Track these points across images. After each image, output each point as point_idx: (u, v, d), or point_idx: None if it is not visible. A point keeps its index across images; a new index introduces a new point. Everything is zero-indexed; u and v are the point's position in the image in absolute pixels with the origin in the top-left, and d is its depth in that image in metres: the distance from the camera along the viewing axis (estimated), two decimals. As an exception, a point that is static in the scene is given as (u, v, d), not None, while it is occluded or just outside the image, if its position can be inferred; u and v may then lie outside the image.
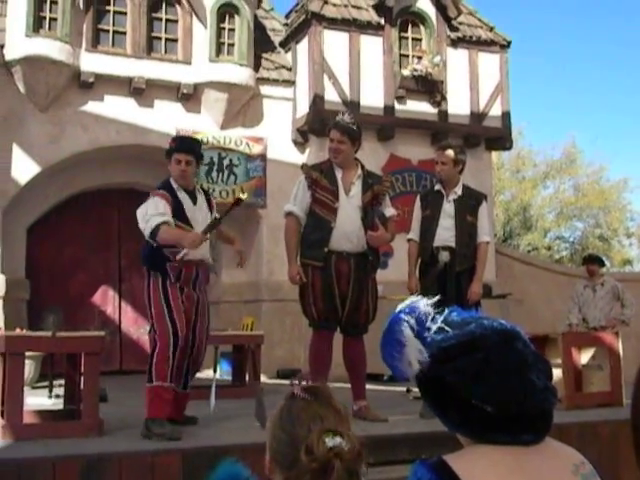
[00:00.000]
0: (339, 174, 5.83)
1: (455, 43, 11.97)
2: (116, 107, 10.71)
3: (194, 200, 5.48)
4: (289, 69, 11.71)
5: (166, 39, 11.14)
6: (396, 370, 1.61)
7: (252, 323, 9.06)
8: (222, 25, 11.15)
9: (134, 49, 10.79)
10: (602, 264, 9.88)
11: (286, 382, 9.03)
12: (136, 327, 11.56)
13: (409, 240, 6.43)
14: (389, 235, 5.89)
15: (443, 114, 11.75)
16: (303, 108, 11.29)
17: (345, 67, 11.22)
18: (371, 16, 11.45)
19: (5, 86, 10.13)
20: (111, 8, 10.80)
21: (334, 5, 11.31)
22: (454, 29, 11.95)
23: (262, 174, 11.34)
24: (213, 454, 4.34)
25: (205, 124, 11.12)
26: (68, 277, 11.30)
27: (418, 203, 6.47)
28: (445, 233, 6.19)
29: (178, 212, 5.30)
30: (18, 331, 5.82)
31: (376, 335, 1.68)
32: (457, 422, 1.55)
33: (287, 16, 12.62)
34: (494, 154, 15.18)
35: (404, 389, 7.81)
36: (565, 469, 1.52)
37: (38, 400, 7.02)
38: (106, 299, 11.62)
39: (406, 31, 11.83)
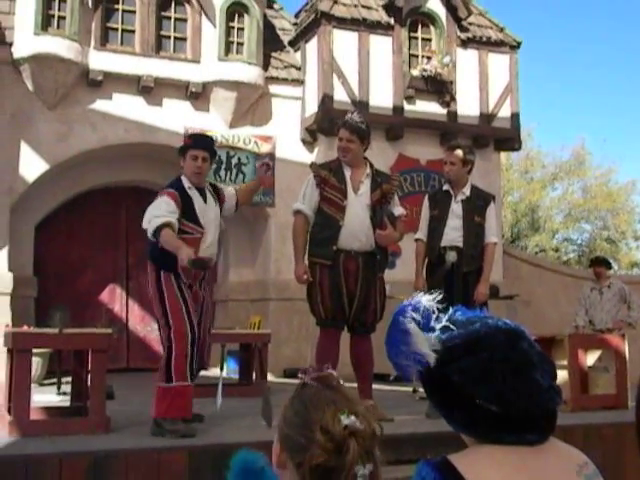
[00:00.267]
0: (348, 173, 5.80)
1: (465, 43, 11.95)
2: (124, 105, 10.72)
3: (205, 198, 5.41)
4: (298, 68, 11.71)
5: (175, 38, 11.15)
6: (399, 367, 1.61)
7: (259, 322, 9.05)
8: (231, 24, 11.15)
9: (143, 47, 10.80)
10: (609, 266, 9.86)
11: (293, 381, 9.02)
12: (143, 325, 11.59)
13: (417, 240, 6.41)
14: (398, 234, 5.87)
15: (452, 114, 11.74)
16: (312, 107, 11.29)
17: (354, 67, 11.22)
18: (381, 16, 11.44)
19: (14, 84, 10.15)
20: (120, 6, 10.82)
21: (344, 5, 11.31)
22: (464, 29, 11.93)
23: (270, 173, 11.32)
24: (219, 452, 4.36)
25: (214, 123, 11.12)
26: (76, 275, 11.33)
27: (426, 203, 6.46)
28: (453, 233, 6.18)
29: (188, 211, 5.22)
30: (25, 328, 5.84)
31: (383, 334, 1.68)
32: (462, 422, 1.55)
33: (297, 15, 12.65)
34: (503, 155, 15.17)
35: (410, 389, 7.80)
36: (569, 469, 1.52)
37: (45, 397, 7.05)
38: (113, 297, 11.64)
39: (416, 31, 11.82)
